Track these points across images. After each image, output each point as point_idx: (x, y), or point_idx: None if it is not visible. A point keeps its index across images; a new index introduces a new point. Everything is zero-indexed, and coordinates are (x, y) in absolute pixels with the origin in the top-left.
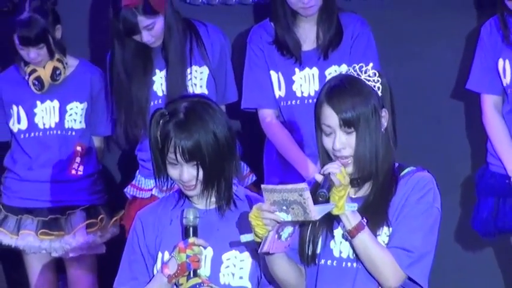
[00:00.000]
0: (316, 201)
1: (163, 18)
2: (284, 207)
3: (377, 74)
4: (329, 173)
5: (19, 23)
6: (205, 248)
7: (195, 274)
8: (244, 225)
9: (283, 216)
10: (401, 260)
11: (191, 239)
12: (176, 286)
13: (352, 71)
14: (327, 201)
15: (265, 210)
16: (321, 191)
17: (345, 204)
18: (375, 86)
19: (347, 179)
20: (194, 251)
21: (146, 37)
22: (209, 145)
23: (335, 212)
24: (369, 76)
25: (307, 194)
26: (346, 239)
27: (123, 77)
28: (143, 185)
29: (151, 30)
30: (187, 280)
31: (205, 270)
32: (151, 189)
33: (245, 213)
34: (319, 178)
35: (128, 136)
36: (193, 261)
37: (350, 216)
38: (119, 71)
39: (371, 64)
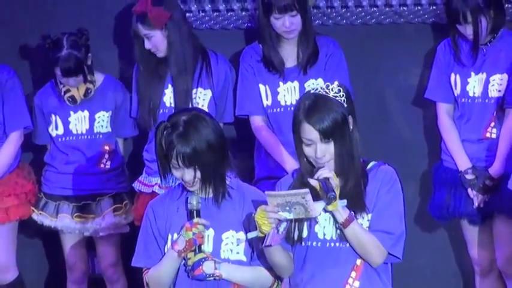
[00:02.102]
0: (328, 202)
1: (165, 35)
2: (287, 208)
3: (341, 90)
4: (327, 178)
5: (60, 59)
6: (207, 227)
7: (200, 250)
8: (250, 224)
9: (286, 215)
10: (385, 241)
11: (196, 219)
12: (185, 260)
13: (321, 90)
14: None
15: (270, 211)
16: (330, 194)
17: (337, 201)
18: (340, 100)
19: (337, 180)
20: (199, 229)
21: (147, 44)
22: (204, 151)
23: (329, 208)
24: (335, 93)
25: (309, 197)
26: (340, 230)
27: (145, 74)
28: (147, 181)
29: (150, 40)
30: (194, 255)
31: (208, 247)
32: (153, 186)
33: (250, 214)
34: (315, 183)
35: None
36: (198, 238)
37: (341, 210)
38: (141, 71)
39: (336, 82)
